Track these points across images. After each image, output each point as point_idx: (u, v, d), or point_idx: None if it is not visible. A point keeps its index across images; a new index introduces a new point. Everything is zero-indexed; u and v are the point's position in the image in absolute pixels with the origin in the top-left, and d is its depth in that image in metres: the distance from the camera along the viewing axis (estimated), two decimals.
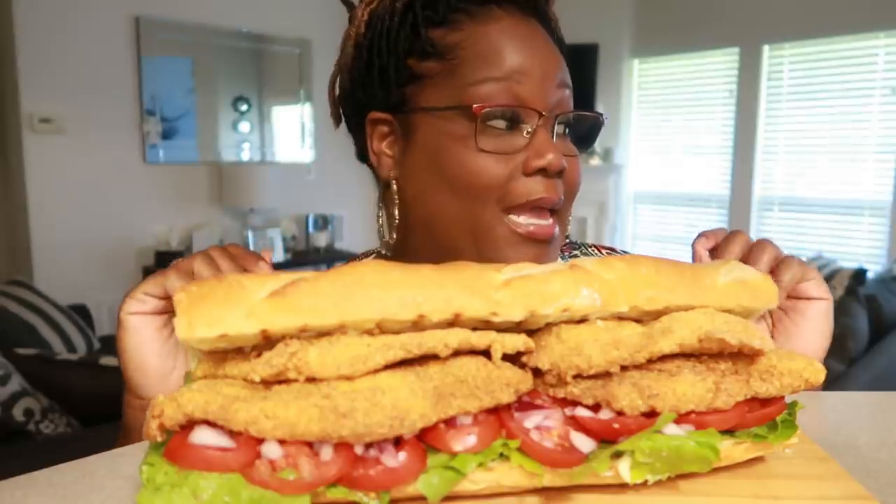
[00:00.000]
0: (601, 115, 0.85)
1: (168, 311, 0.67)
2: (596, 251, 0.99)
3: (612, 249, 1.01)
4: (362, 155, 0.88)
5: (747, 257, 0.73)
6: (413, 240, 0.83)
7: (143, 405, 0.68)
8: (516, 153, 0.76)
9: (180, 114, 4.80)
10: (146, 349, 0.66)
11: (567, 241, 1.00)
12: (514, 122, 0.76)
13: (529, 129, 0.76)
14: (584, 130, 0.84)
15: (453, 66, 0.77)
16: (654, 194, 6.04)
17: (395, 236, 0.84)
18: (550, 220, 0.78)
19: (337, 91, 0.89)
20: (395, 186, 0.83)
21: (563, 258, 0.97)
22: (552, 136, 0.76)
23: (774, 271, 0.72)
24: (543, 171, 0.75)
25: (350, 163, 0.93)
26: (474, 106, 0.74)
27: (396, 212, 0.83)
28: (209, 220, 4.94)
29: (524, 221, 0.76)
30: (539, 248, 0.77)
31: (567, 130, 0.81)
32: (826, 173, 5.01)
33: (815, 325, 0.72)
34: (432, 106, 0.78)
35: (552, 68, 0.78)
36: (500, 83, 0.75)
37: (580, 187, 0.82)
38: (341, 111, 0.89)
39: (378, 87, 0.81)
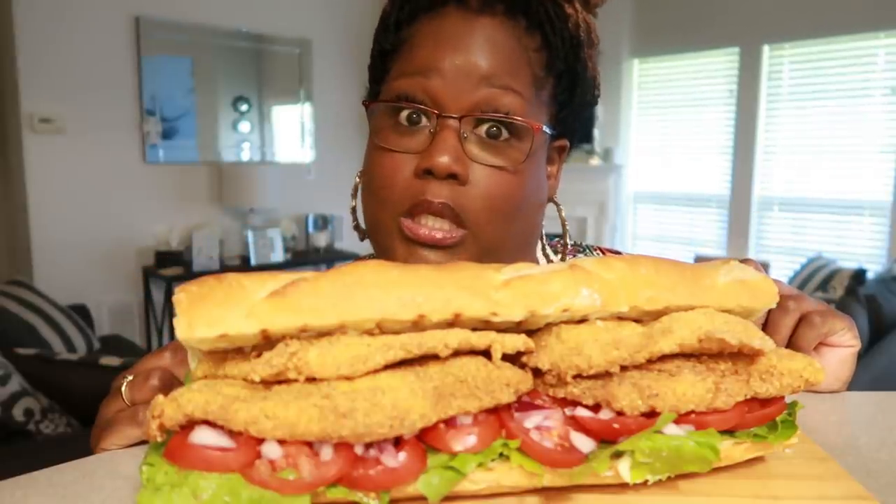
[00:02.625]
0: (519, 120, 0.74)
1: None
2: (600, 254, 0.98)
3: (617, 252, 1.00)
4: None
5: (795, 337, 0.70)
6: None
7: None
8: (416, 152, 0.73)
9: (180, 114, 4.80)
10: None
11: (572, 244, 0.99)
12: (419, 121, 0.74)
13: (432, 129, 0.73)
14: (526, 139, 0.75)
15: (395, 63, 0.78)
16: (654, 194, 6.03)
17: (355, 224, 0.86)
18: (445, 225, 0.72)
19: None
20: (357, 179, 0.84)
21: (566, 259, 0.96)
22: (459, 138, 0.72)
23: (797, 330, 0.70)
24: (432, 173, 0.71)
25: (350, 163, 0.94)
26: (365, 101, 0.76)
27: (354, 202, 0.85)
28: (209, 220, 4.94)
29: (414, 223, 0.73)
30: (433, 253, 0.73)
31: (504, 136, 0.74)
32: (826, 173, 5.01)
33: (830, 371, 0.71)
34: (368, 101, 0.80)
35: (479, 66, 0.72)
36: (412, 78, 0.74)
37: (508, 199, 0.74)
38: None
39: (370, 83, 0.84)
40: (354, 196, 0.86)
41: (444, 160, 0.70)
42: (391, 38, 0.78)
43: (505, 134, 0.74)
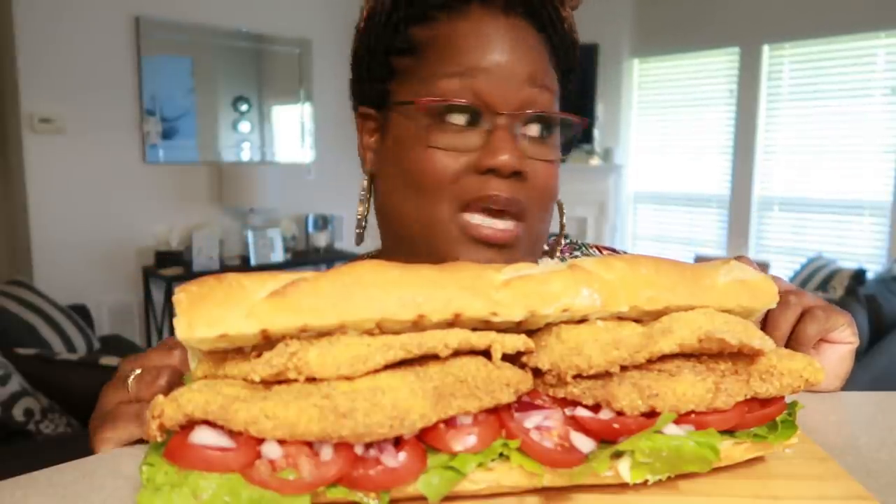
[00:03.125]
0: (571, 116, 0.80)
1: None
2: (596, 251, 0.99)
3: (613, 250, 1.00)
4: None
5: (797, 332, 0.70)
6: (385, 236, 0.85)
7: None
8: (471, 151, 0.74)
9: (180, 114, 4.80)
10: None
11: (567, 241, 1.00)
12: (473, 120, 0.75)
13: (488, 128, 0.74)
14: (565, 133, 0.81)
15: (422, 62, 0.77)
16: (654, 194, 6.04)
17: (363, 227, 0.86)
18: (510, 224, 0.75)
19: None
20: (366, 182, 0.85)
21: (563, 260, 0.96)
22: (513, 136, 0.74)
23: (799, 325, 0.70)
24: (496, 172, 0.73)
25: (350, 163, 0.93)
26: (417, 100, 0.75)
27: (368, 206, 0.86)
28: (209, 220, 4.94)
29: (477, 221, 0.75)
30: (493, 251, 0.75)
31: (545, 133, 0.78)
32: (826, 173, 5.01)
33: (830, 368, 0.71)
34: (399, 101, 0.79)
35: (521, 66, 0.75)
36: (457, 79, 0.74)
37: (555, 192, 0.80)
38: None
39: (367, 82, 0.83)
40: (363, 201, 0.86)
41: (508, 159, 0.72)
42: (402, 38, 0.78)
43: (545, 131, 0.78)
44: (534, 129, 0.77)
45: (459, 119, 0.75)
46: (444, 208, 0.75)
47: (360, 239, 0.86)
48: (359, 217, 0.86)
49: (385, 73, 0.81)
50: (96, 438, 0.60)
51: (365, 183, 0.85)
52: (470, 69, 0.74)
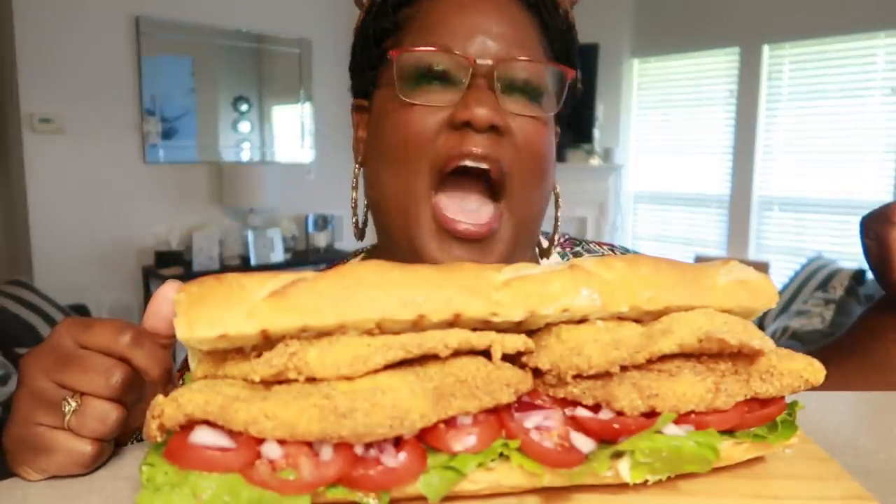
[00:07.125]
0: (558, 66, 0.76)
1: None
2: (597, 247, 0.98)
3: (612, 246, 0.99)
4: None
5: None
6: (376, 231, 0.83)
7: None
8: (447, 107, 0.72)
9: (180, 114, 4.80)
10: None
11: (567, 237, 0.99)
12: (448, 79, 0.72)
13: (465, 83, 0.71)
14: (549, 88, 0.76)
15: (403, 38, 0.76)
16: (654, 194, 6.03)
17: (356, 215, 0.84)
18: (485, 220, 0.73)
19: None
20: (356, 170, 0.83)
21: (565, 255, 0.96)
22: (492, 91, 0.71)
23: None
24: (471, 125, 0.70)
25: (350, 163, 0.93)
26: (389, 52, 0.73)
27: (355, 194, 0.83)
28: (209, 220, 4.94)
29: (451, 214, 0.72)
30: (469, 249, 0.73)
31: (532, 96, 0.75)
32: (826, 173, 5.00)
33: None
34: (381, 81, 0.77)
35: (501, 29, 0.73)
36: (434, 43, 0.73)
37: (544, 154, 0.75)
38: None
39: (360, 73, 0.82)
40: (355, 188, 0.84)
41: (484, 112, 0.69)
42: (391, 19, 0.77)
43: (531, 94, 0.75)
44: (517, 90, 0.74)
45: (436, 82, 0.73)
46: (421, 181, 0.72)
47: (358, 232, 0.84)
48: (352, 206, 0.85)
49: (376, 60, 0.79)
50: (23, 467, 0.53)
51: (356, 170, 0.84)
52: (440, 33, 0.73)
